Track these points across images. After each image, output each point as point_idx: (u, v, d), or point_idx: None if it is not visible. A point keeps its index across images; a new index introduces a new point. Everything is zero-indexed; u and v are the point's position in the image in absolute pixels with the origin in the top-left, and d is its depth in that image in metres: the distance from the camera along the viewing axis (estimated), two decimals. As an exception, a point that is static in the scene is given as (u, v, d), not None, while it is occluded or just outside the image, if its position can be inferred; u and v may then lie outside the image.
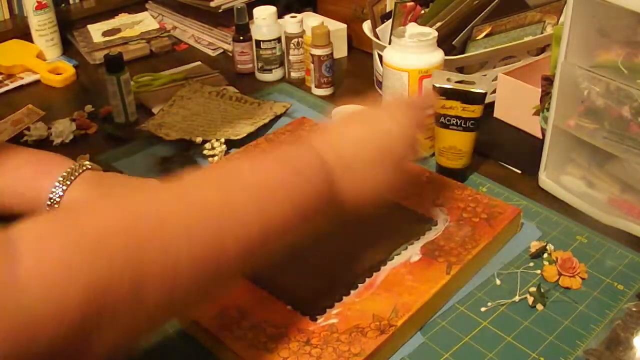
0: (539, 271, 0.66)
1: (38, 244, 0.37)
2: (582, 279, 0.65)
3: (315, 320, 0.58)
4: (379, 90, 1.02)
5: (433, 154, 0.84)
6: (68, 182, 0.68)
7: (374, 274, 0.63)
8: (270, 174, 0.51)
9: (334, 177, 0.54)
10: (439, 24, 0.91)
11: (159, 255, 0.41)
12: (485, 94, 0.76)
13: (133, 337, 0.43)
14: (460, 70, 0.93)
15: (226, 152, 0.87)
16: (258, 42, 1.07)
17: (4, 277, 0.35)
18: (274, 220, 0.49)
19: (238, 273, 0.51)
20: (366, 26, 1.02)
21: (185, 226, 0.43)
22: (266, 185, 0.50)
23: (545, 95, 0.83)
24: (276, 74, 1.10)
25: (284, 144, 0.56)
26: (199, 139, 0.89)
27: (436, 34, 0.81)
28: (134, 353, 0.44)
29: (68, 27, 1.30)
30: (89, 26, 1.30)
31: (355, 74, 1.13)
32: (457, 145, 0.79)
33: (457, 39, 0.92)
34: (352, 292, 0.61)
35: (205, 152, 0.87)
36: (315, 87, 1.04)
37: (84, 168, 0.70)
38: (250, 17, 1.08)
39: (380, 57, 0.94)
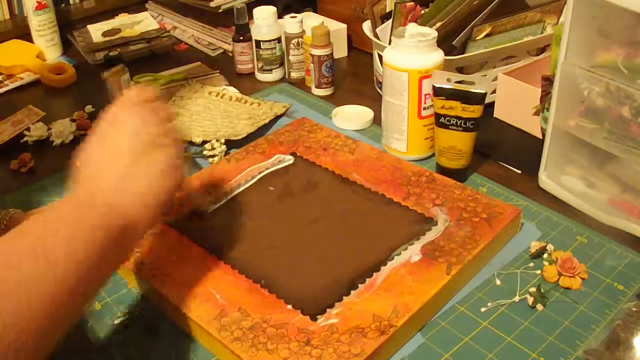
0: (539, 271, 0.66)
1: None
2: (582, 279, 0.65)
3: (316, 320, 0.58)
4: (379, 90, 1.02)
5: (433, 154, 0.84)
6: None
7: (374, 274, 0.63)
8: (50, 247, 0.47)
9: (113, 209, 0.52)
10: (439, 24, 0.91)
11: None
12: (485, 94, 0.76)
13: None
14: (460, 70, 0.93)
15: (226, 153, 0.87)
16: (258, 42, 1.07)
17: None
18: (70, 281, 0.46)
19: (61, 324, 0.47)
20: (366, 26, 1.02)
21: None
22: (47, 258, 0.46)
23: (545, 95, 0.83)
24: (276, 74, 1.10)
25: (48, 211, 0.53)
26: (199, 140, 0.89)
27: (436, 34, 0.81)
28: None
29: (68, 27, 1.30)
30: (89, 26, 1.30)
31: (355, 74, 1.13)
32: (457, 145, 0.79)
33: (457, 39, 0.92)
34: (352, 292, 0.61)
35: (205, 152, 0.87)
36: (315, 87, 1.04)
37: (10, 216, 0.70)
38: (250, 17, 1.08)
39: (380, 57, 0.95)
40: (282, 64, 1.10)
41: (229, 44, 1.18)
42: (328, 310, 0.59)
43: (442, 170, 0.81)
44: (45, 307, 0.44)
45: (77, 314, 0.50)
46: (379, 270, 0.63)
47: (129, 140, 0.56)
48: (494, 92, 0.94)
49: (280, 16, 1.09)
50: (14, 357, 0.41)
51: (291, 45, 1.06)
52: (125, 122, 0.57)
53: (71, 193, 0.54)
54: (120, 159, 0.55)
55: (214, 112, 0.99)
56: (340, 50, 1.17)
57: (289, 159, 0.82)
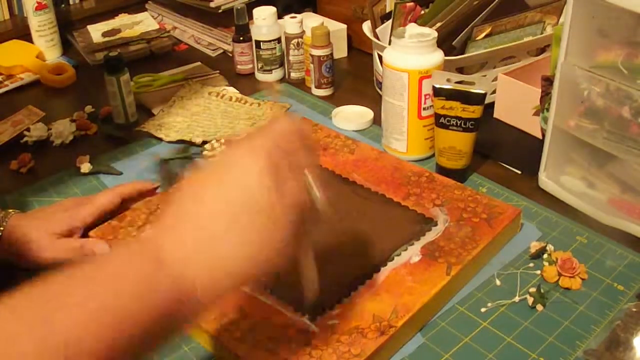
0: (539, 272, 0.66)
1: None
2: (582, 279, 0.65)
3: (315, 320, 0.58)
4: (379, 90, 1.02)
5: (433, 154, 0.84)
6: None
7: (374, 274, 0.63)
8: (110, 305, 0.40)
9: (184, 276, 0.43)
10: (439, 24, 0.91)
11: None
12: (485, 94, 0.76)
13: None
14: (460, 70, 0.93)
15: (226, 153, 0.87)
16: (258, 43, 1.07)
17: None
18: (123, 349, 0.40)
19: None
20: (366, 26, 1.02)
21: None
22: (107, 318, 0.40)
23: (545, 95, 0.83)
24: (276, 75, 1.10)
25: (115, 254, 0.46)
26: (199, 140, 0.89)
27: (436, 34, 0.81)
28: None
29: (68, 27, 1.30)
30: (89, 27, 1.30)
31: (355, 74, 1.13)
32: (457, 145, 0.79)
33: (457, 39, 0.92)
34: (352, 292, 0.61)
35: (205, 152, 0.87)
36: (315, 87, 1.04)
37: (10, 215, 0.69)
38: (250, 17, 1.08)
39: (380, 57, 0.94)
40: (282, 64, 1.10)
41: (229, 44, 1.18)
42: (328, 310, 0.59)
43: (442, 170, 0.81)
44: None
45: None
46: (379, 270, 0.63)
47: (237, 200, 0.44)
48: (494, 92, 0.94)
49: (280, 16, 1.09)
50: None
51: (291, 45, 1.06)
52: (245, 173, 0.45)
53: (141, 243, 0.46)
54: (213, 223, 0.44)
55: (214, 113, 0.98)
56: (340, 50, 1.17)
57: None
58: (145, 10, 1.37)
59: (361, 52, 1.19)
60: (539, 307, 0.62)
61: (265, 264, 0.45)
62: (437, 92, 0.78)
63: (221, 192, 0.45)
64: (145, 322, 0.41)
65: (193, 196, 0.46)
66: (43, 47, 1.21)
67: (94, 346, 0.39)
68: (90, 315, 0.39)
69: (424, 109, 0.82)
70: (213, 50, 1.23)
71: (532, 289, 0.63)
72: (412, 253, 0.65)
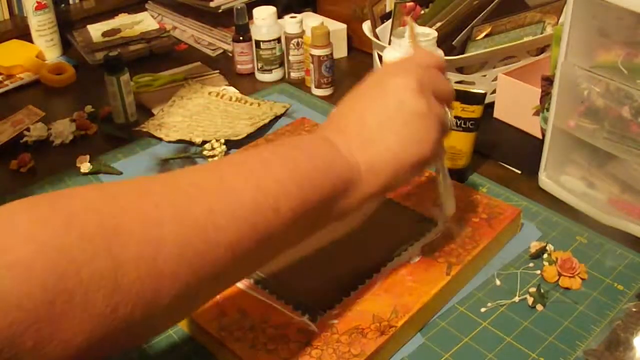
0: (538, 271, 0.66)
1: (8, 218, 0.36)
2: (582, 279, 0.65)
3: (315, 320, 0.58)
4: (379, 90, 1.01)
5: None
6: None
7: (374, 274, 0.63)
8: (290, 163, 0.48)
9: (352, 161, 0.50)
10: (439, 24, 0.91)
11: (137, 238, 0.38)
12: (485, 94, 0.76)
13: (111, 343, 0.38)
14: (460, 70, 0.93)
15: (226, 153, 0.87)
16: (258, 43, 1.07)
17: None
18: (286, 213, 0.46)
19: (234, 274, 0.46)
20: (366, 26, 1.02)
21: (171, 212, 0.40)
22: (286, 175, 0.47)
23: (545, 95, 0.83)
24: (276, 74, 1.10)
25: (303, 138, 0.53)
26: (198, 140, 0.89)
27: (436, 34, 0.81)
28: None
29: (68, 27, 1.30)
30: (88, 26, 1.30)
31: (355, 74, 1.12)
32: (457, 145, 0.79)
33: (457, 39, 0.92)
34: (352, 292, 0.61)
35: (205, 152, 0.87)
36: (315, 87, 1.04)
37: None
38: (250, 17, 1.08)
39: (380, 57, 0.94)
40: (282, 64, 1.10)
41: (229, 44, 1.18)
42: (328, 310, 0.59)
43: (442, 170, 0.81)
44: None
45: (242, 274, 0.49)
46: (379, 270, 0.63)
47: (391, 106, 0.51)
48: (494, 92, 0.94)
49: (280, 16, 1.09)
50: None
51: (291, 45, 1.06)
52: (398, 88, 0.52)
53: (319, 134, 0.53)
54: (370, 121, 0.52)
55: (213, 112, 0.98)
56: (340, 50, 1.17)
57: None
58: (145, 10, 1.37)
59: (361, 52, 1.19)
60: (539, 307, 0.62)
61: (416, 160, 0.51)
62: (437, 92, 0.77)
63: (377, 101, 0.52)
64: (322, 189, 0.48)
65: (351, 105, 0.55)
66: (43, 47, 1.21)
67: (294, 195, 0.46)
68: (292, 174, 0.47)
69: (424, 108, 0.82)
70: (213, 50, 1.23)
71: (532, 289, 0.63)
72: (412, 253, 0.65)
